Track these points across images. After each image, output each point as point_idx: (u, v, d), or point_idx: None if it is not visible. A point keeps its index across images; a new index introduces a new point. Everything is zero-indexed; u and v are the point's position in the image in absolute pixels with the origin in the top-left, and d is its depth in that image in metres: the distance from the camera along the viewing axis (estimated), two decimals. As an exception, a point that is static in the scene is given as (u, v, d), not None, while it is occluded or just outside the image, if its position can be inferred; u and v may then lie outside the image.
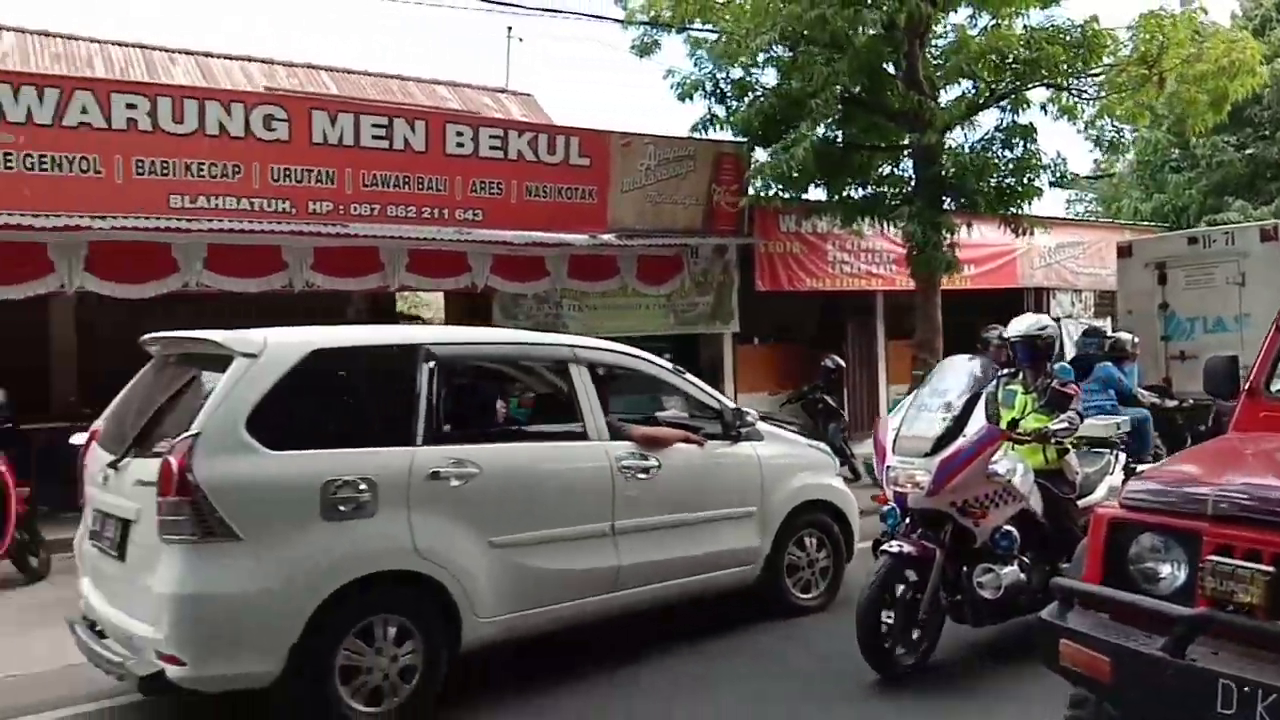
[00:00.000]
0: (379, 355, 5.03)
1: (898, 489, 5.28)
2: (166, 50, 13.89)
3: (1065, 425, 5.50)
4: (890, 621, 5.10)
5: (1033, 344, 5.83)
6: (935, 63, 11.92)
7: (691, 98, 11.39)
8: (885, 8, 10.15)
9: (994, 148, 11.04)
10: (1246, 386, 4.43)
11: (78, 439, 7.83)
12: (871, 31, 10.40)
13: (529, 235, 10.59)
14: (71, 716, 5.02)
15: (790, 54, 10.89)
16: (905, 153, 11.92)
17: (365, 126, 9.59)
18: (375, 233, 9.65)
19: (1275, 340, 4.41)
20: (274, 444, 4.34)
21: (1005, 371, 6.05)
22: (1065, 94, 11.85)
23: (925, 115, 10.88)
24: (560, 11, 23.02)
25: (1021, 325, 5.96)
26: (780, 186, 10.99)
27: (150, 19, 39.40)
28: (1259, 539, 3.09)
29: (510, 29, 16.91)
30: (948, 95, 12.14)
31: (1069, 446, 5.75)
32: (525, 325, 10.56)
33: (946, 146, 11.21)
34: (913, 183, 11.66)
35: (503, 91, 16.80)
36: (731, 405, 6.14)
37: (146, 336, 5.25)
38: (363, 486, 4.50)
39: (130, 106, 8.51)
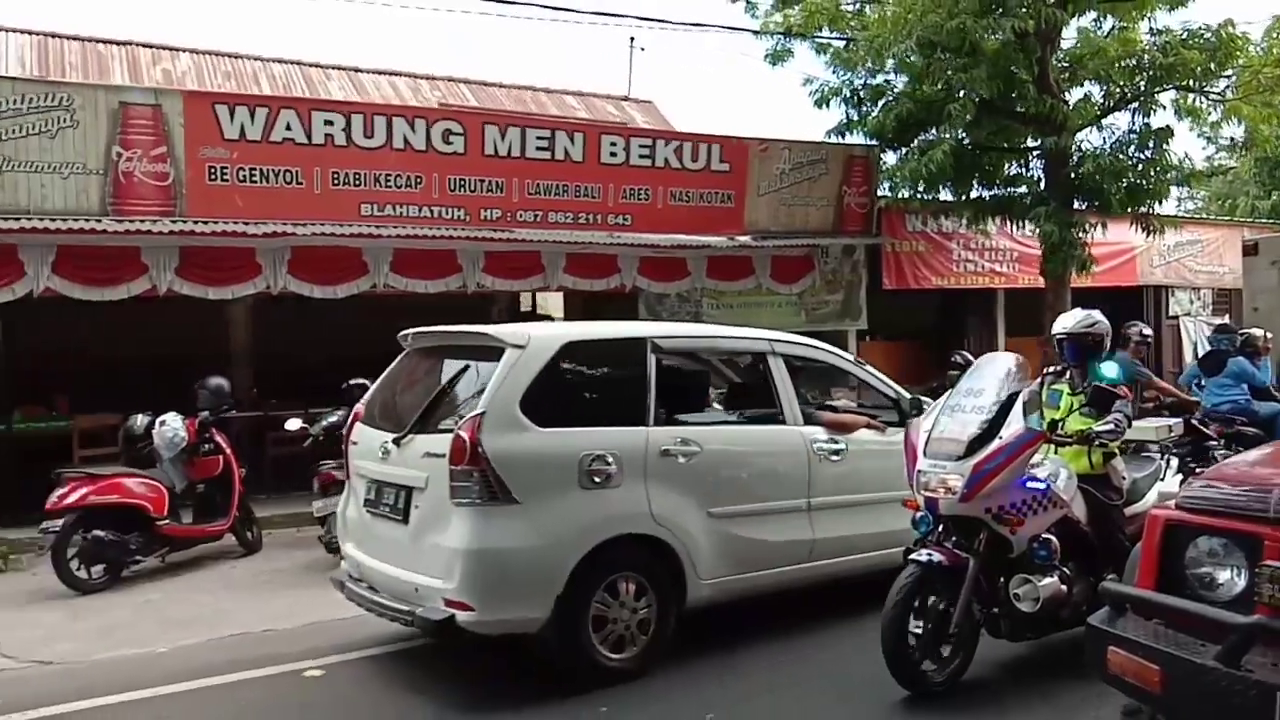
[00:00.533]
0: (615, 347, 5.69)
1: (928, 494, 4.92)
2: (320, 66, 14.88)
3: (1110, 428, 5.12)
4: (919, 634, 4.79)
5: (1082, 341, 5.44)
6: (1060, 66, 12.22)
7: (829, 104, 11.93)
8: (1020, 15, 10.53)
9: (1127, 149, 11.31)
10: None
11: (291, 425, 8.74)
12: (1003, 38, 10.79)
13: (673, 238, 11.23)
14: (333, 664, 5.76)
15: (924, 61, 11.29)
16: (1033, 154, 12.25)
17: (530, 139, 10.32)
18: (539, 237, 10.39)
19: None
20: (541, 422, 5.01)
21: (1052, 370, 5.69)
22: (1191, 95, 12.06)
23: (1057, 118, 11.23)
24: (703, 25, 23.49)
25: (1069, 321, 5.57)
26: (916, 188, 11.43)
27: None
28: None
29: (633, 39, 17.54)
30: (1072, 97, 12.45)
31: (1116, 450, 5.36)
32: (668, 322, 11.19)
33: (1077, 148, 11.53)
34: (1041, 183, 11.98)
35: (625, 99, 17.47)
36: (909, 394, 6.65)
37: (407, 331, 5.98)
38: (610, 460, 5.15)
39: (328, 123, 9.36)
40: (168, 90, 9.54)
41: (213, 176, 8.94)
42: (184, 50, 13.99)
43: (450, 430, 4.96)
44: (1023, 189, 12.32)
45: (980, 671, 5.06)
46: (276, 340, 12.07)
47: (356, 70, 15.06)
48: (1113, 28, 12.43)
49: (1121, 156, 11.23)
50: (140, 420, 8.23)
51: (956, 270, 13.84)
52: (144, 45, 13.73)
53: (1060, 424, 5.30)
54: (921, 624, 4.79)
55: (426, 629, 4.94)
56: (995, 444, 4.79)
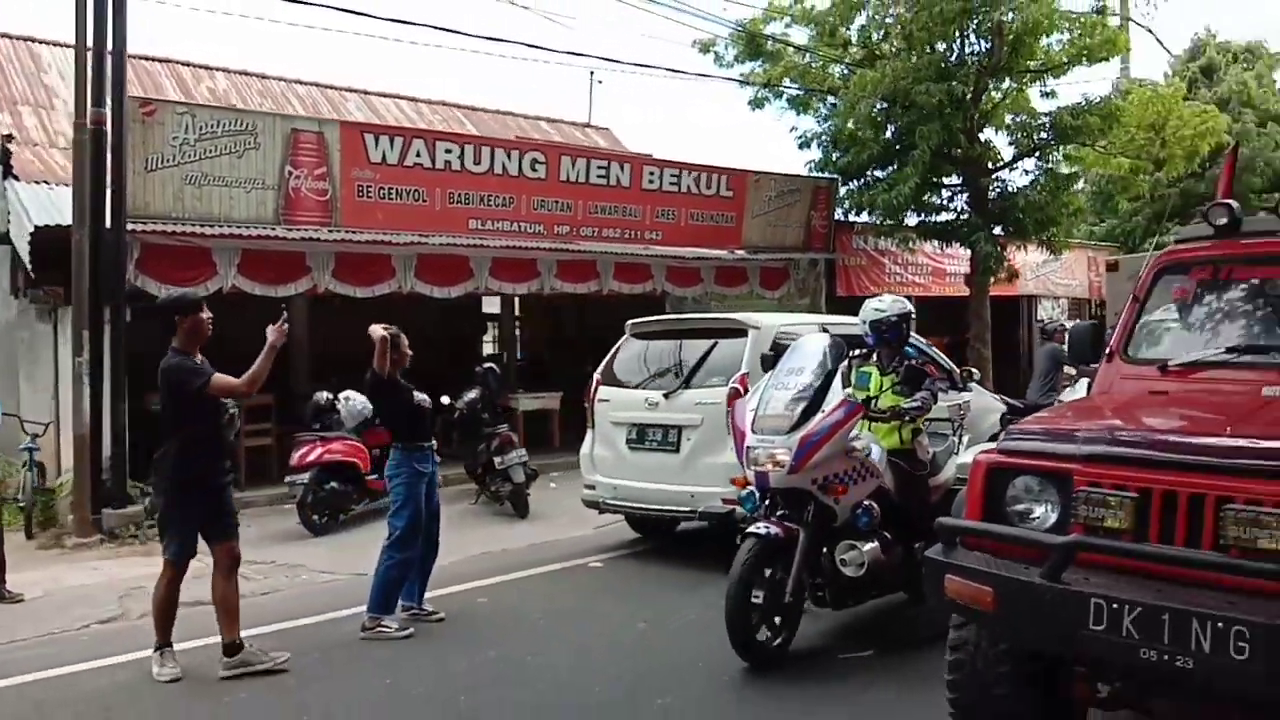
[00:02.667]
0: (800, 331, 8.05)
1: (759, 469, 5.14)
2: (336, 88, 16.35)
3: (918, 405, 5.50)
4: (759, 604, 5.03)
5: (897, 325, 5.85)
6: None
7: (811, 145, 14.70)
8: (963, 81, 13.55)
9: (1037, 188, 14.59)
10: (1108, 352, 4.65)
11: (444, 399, 10.50)
12: (947, 98, 13.78)
13: (693, 251, 13.64)
14: (605, 559, 7.92)
15: (885, 115, 14.16)
16: (958, 189, 15.39)
17: (593, 168, 12.48)
18: (596, 249, 12.55)
19: (1131, 311, 4.69)
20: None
21: (858, 352, 6.01)
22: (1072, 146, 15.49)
23: (983, 162, 14.37)
24: (713, 75, 25.51)
25: (882, 306, 5.96)
26: (884, 216, 14.30)
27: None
28: (1124, 475, 3.30)
29: (593, 73, 19.76)
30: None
31: (921, 427, 5.80)
32: (688, 321, 13.58)
33: (1000, 185, 14.75)
34: (966, 213, 15.10)
35: (587, 125, 19.68)
36: (958, 369, 9.31)
37: (632, 320, 8.15)
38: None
39: (447, 151, 11.21)
40: (329, 120, 11.18)
41: (360, 194, 10.64)
42: (219, 70, 15.20)
43: (718, 385, 7.22)
44: (948, 217, 15.40)
45: (808, 641, 5.45)
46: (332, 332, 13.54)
47: (366, 93, 16.62)
48: (1009, 89, 15.72)
49: (1034, 195, 14.49)
50: (324, 396, 9.88)
51: (888, 281, 16.83)
52: (185, 64, 14.87)
53: (873, 402, 5.51)
54: (762, 594, 5.02)
55: (710, 519, 7.16)
56: (819, 416, 5.13)
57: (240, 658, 5.21)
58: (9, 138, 10.05)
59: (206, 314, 5.33)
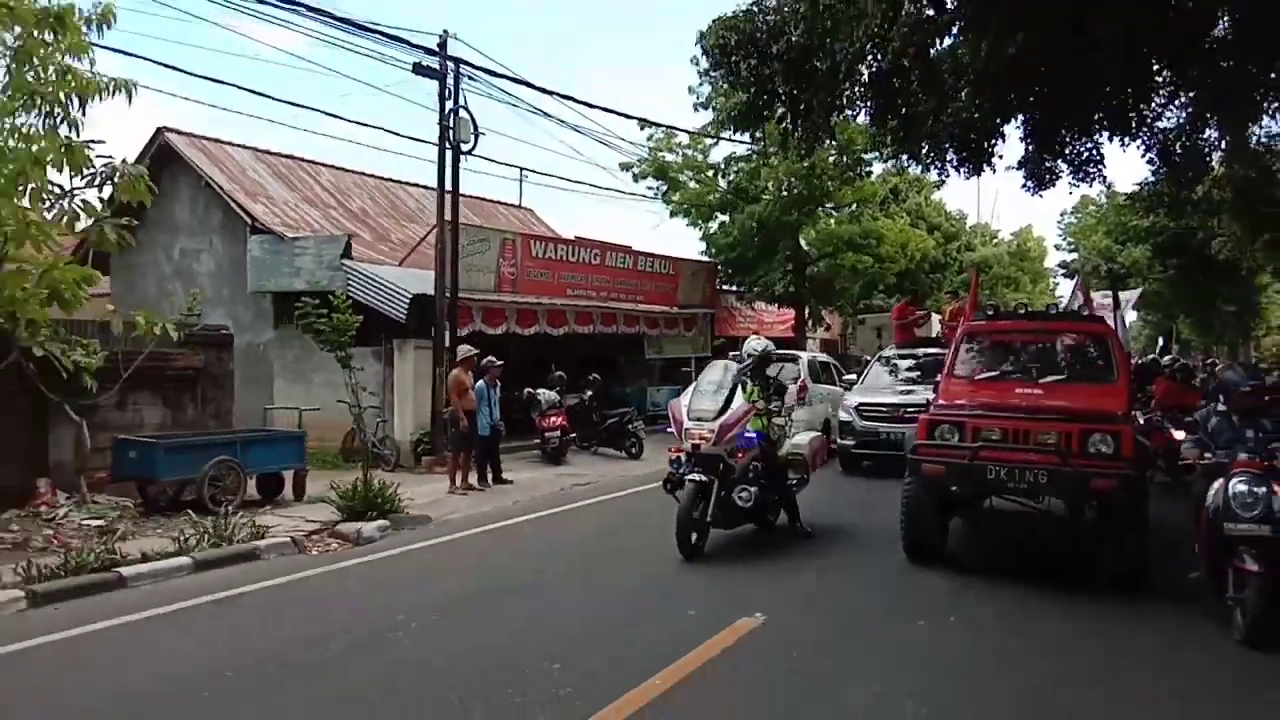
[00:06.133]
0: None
1: (694, 442, 8.14)
2: (313, 163, 22.85)
3: (780, 403, 9.14)
4: (695, 521, 8.11)
5: (766, 356, 9.28)
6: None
7: (711, 245, 24.02)
8: (801, 215, 23.47)
9: (841, 278, 24.92)
10: (945, 372, 9.15)
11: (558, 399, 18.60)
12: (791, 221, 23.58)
13: (654, 307, 22.33)
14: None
15: (756, 232, 23.66)
16: (789, 273, 25.30)
17: (618, 257, 20.84)
18: (619, 307, 20.88)
19: (953, 354, 9.24)
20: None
21: (739, 367, 9.16)
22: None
23: (802, 259, 24.47)
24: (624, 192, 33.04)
25: (757, 345, 9.46)
26: (760, 289, 23.94)
27: None
28: (990, 421, 7.79)
29: (522, 170, 27.67)
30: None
31: (772, 416, 9.11)
32: (655, 351, 22.29)
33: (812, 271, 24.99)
34: (794, 288, 25.03)
35: (518, 207, 27.58)
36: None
37: (699, 355, 16.88)
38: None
39: (560, 248, 19.17)
40: (517, 232, 18.61)
41: (526, 275, 18.33)
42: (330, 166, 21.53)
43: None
44: (780, 290, 25.25)
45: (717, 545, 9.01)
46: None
47: (331, 167, 23.16)
48: (813, 216, 25.77)
49: (842, 282, 24.80)
50: (527, 392, 17.42)
51: (738, 325, 26.45)
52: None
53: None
54: (696, 516, 8.21)
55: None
56: (730, 411, 8.40)
57: None
58: (352, 235, 16.60)
59: None
